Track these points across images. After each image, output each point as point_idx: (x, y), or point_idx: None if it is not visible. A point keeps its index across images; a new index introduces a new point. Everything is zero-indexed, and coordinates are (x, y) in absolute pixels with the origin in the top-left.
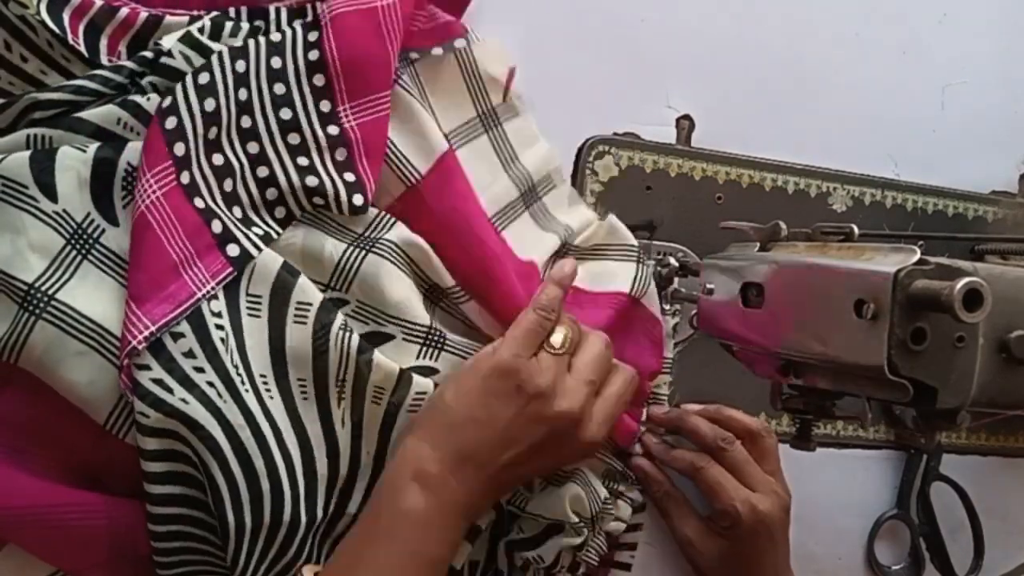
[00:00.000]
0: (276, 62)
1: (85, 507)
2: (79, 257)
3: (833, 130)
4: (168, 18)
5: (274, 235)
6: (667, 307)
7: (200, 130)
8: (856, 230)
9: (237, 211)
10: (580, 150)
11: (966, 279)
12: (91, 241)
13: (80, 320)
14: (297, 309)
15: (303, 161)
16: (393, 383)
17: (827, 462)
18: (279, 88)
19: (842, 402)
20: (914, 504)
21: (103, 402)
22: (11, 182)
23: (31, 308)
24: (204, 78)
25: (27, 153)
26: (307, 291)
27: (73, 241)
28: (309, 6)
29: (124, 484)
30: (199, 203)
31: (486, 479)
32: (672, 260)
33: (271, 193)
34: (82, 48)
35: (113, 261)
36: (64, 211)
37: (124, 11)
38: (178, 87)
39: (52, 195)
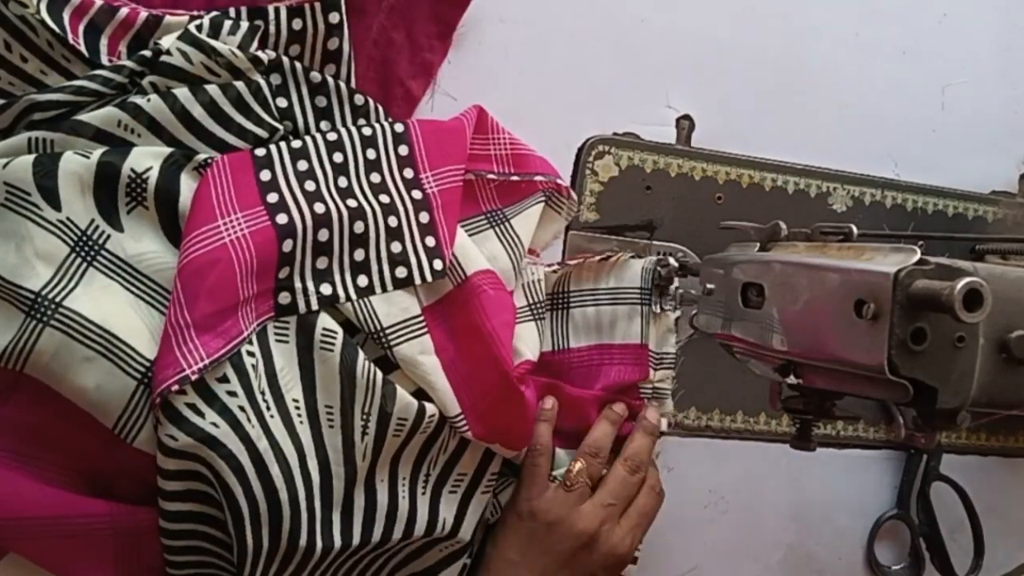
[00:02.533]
0: (367, 131)
1: (90, 516)
2: (84, 264)
3: (833, 130)
4: (168, 18)
5: (342, 298)
6: (667, 307)
7: (295, 184)
8: (855, 230)
9: (322, 262)
10: (580, 150)
11: (966, 279)
12: (96, 248)
13: (87, 326)
14: (323, 336)
15: (392, 222)
16: (413, 415)
17: (827, 462)
18: (370, 153)
19: (842, 402)
20: (914, 504)
21: (111, 407)
22: (14, 188)
23: (38, 316)
24: (296, 143)
25: (30, 158)
26: (329, 322)
27: (78, 249)
28: (307, 5)
29: (132, 489)
30: (287, 246)
31: None
32: (672, 260)
33: (359, 254)
34: (82, 48)
35: (119, 267)
36: (68, 219)
37: (124, 11)
38: (271, 147)
39: (55, 202)
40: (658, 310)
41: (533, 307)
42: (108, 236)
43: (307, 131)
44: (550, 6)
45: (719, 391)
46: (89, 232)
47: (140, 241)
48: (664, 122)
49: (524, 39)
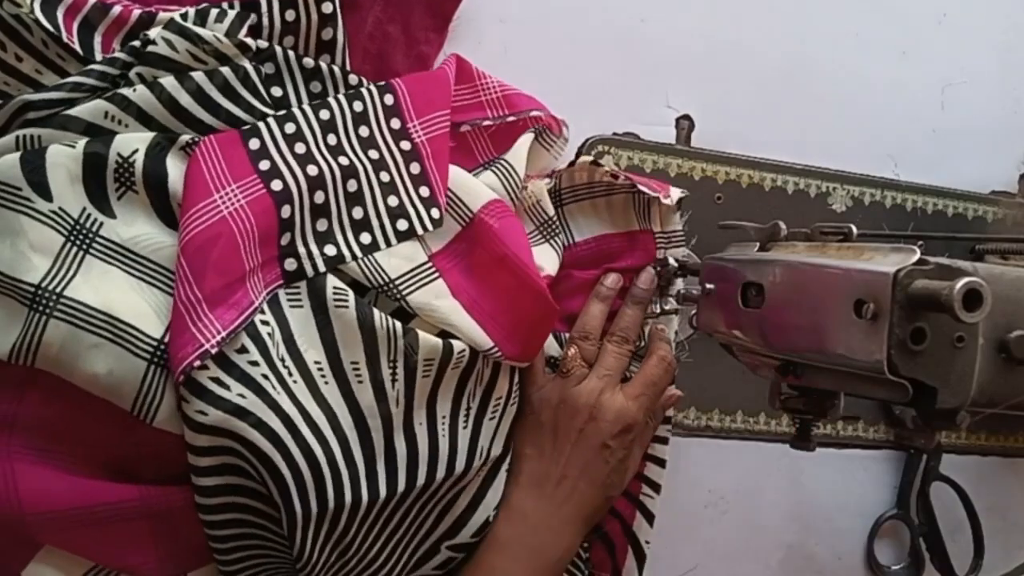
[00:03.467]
0: (352, 78)
1: (121, 502)
2: (81, 253)
3: (833, 130)
4: (161, 14)
5: (347, 258)
6: (667, 307)
7: (285, 148)
8: (855, 230)
9: (322, 224)
10: (580, 150)
11: (966, 279)
12: (91, 235)
13: (90, 313)
14: (335, 295)
15: (385, 177)
16: (440, 354)
17: (827, 462)
18: (357, 106)
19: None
20: (914, 504)
21: (126, 390)
22: (5, 185)
23: (40, 308)
24: (281, 111)
25: (17, 154)
26: (339, 282)
27: (72, 238)
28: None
29: (158, 471)
30: (285, 212)
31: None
32: (672, 260)
33: (357, 212)
34: (77, 47)
35: (116, 251)
36: (60, 208)
37: (117, 9)
38: (260, 124)
39: (46, 194)
40: (658, 310)
41: (543, 228)
42: (101, 223)
43: None
44: (550, 6)
45: (719, 391)
46: (82, 221)
47: (133, 225)
48: (664, 122)
49: (524, 39)
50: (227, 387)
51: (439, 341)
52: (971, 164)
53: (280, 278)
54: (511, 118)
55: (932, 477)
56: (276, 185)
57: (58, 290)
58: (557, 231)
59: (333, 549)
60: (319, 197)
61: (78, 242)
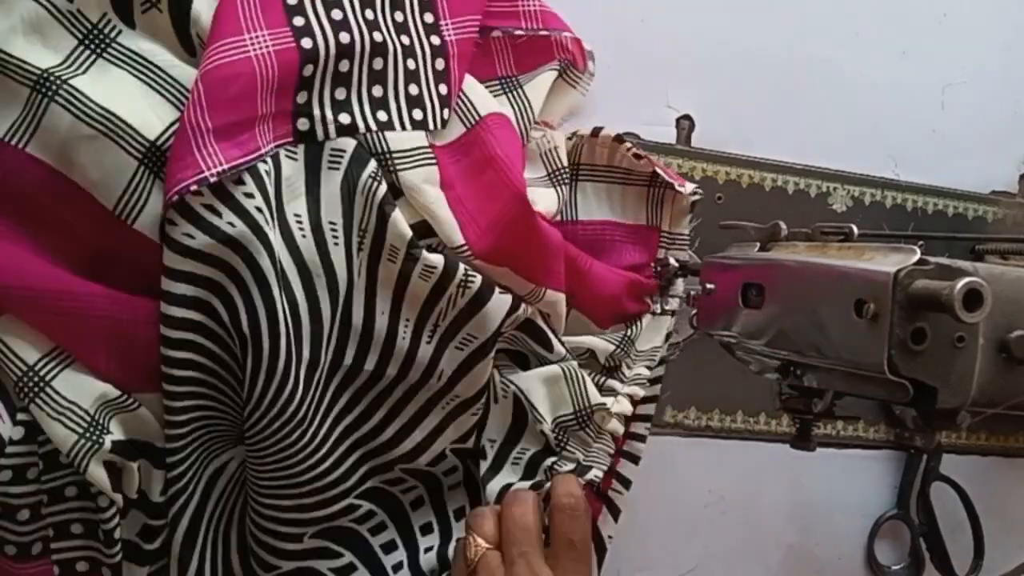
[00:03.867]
0: None
1: (86, 294)
2: (93, 56)
3: (833, 130)
4: None
5: (361, 128)
6: (667, 307)
7: (322, 10)
8: (856, 230)
9: (341, 92)
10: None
11: (966, 279)
12: (107, 40)
13: (89, 105)
14: (331, 155)
15: (411, 64)
16: (404, 249)
17: (827, 462)
18: None
19: (842, 402)
20: (914, 504)
21: (112, 186)
22: None
23: (43, 91)
24: None
25: None
26: (342, 142)
27: (87, 42)
28: None
29: (131, 277)
30: (307, 71)
31: None
32: (672, 260)
33: (377, 90)
34: None
35: (130, 57)
36: (79, 11)
37: None
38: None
39: None
40: (659, 310)
41: (553, 175)
42: (120, 31)
43: None
44: (550, 6)
45: (719, 391)
46: (100, 26)
47: (153, 41)
48: (664, 122)
49: None
50: (219, 214)
51: (408, 232)
52: (971, 164)
53: (290, 135)
54: (543, 32)
55: (932, 477)
56: (306, 43)
57: (63, 77)
58: (566, 180)
59: (279, 418)
60: (344, 65)
61: (92, 46)
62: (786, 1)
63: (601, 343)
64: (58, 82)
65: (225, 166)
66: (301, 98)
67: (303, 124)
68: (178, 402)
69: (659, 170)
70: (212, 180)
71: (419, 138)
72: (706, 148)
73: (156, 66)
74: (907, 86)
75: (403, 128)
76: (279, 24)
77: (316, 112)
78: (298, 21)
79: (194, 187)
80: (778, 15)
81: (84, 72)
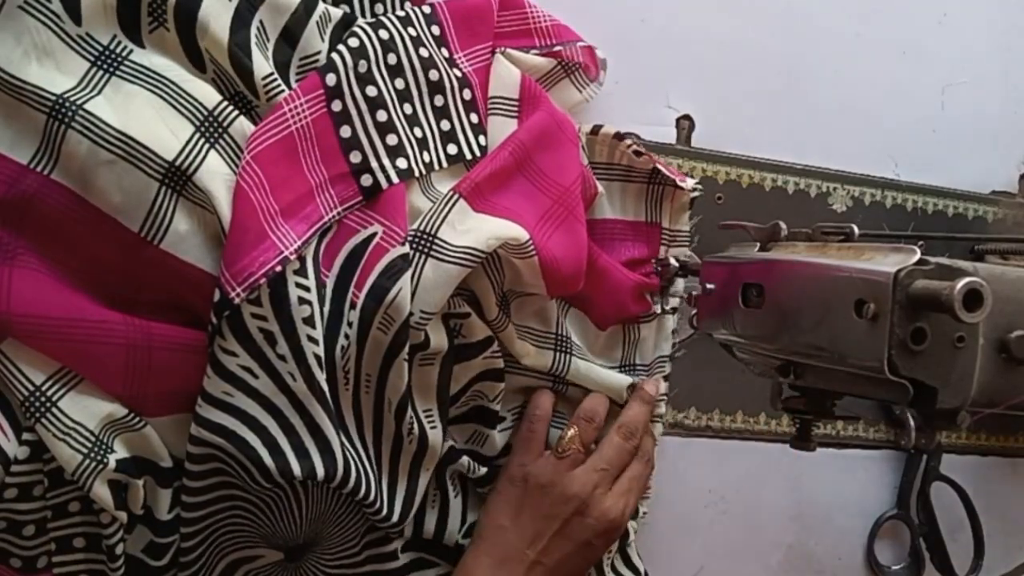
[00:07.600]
0: (400, 12)
1: (102, 321)
2: (106, 75)
3: (833, 130)
4: None
5: (416, 172)
6: (668, 307)
7: (350, 62)
8: (856, 230)
9: (392, 139)
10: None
11: (966, 279)
12: (119, 59)
13: (106, 130)
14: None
15: (439, 101)
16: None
17: (827, 462)
18: (411, 31)
19: (842, 402)
20: (914, 504)
21: (135, 210)
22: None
23: (60, 117)
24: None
25: None
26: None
27: (99, 63)
28: None
29: (158, 297)
30: (345, 132)
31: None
32: (672, 260)
33: (417, 132)
34: None
35: (144, 73)
36: (88, 35)
37: None
38: (334, 55)
39: (76, 16)
40: (659, 310)
41: None
42: (131, 50)
43: (362, 14)
44: (550, 7)
45: (719, 391)
46: (112, 47)
47: (163, 58)
48: (664, 122)
49: None
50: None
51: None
52: (971, 164)
53: (358, 194)
54: (558, 47)
55: (932, 477)
56: (336, 106)
57: (78, 102)
58: None
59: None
60: (381, 115)
61: (104, 66)
62: (786, 1)
63: (615, 383)
64: (74, 108)
65: (299, 242)
66: (355, 158)
67: (366, 180)
68: (196, 497)
69: (660, 166)
70: (292, 257)
71: (448, 182)
72: (706, 148)
73: (170, 80)
74: (907, 86)
75: (440, 166)
76: (314, 87)
77: (374, 164)
78: (330, 79)
79: (279, 268)
80: (778, 15)
81: (99, 93)
